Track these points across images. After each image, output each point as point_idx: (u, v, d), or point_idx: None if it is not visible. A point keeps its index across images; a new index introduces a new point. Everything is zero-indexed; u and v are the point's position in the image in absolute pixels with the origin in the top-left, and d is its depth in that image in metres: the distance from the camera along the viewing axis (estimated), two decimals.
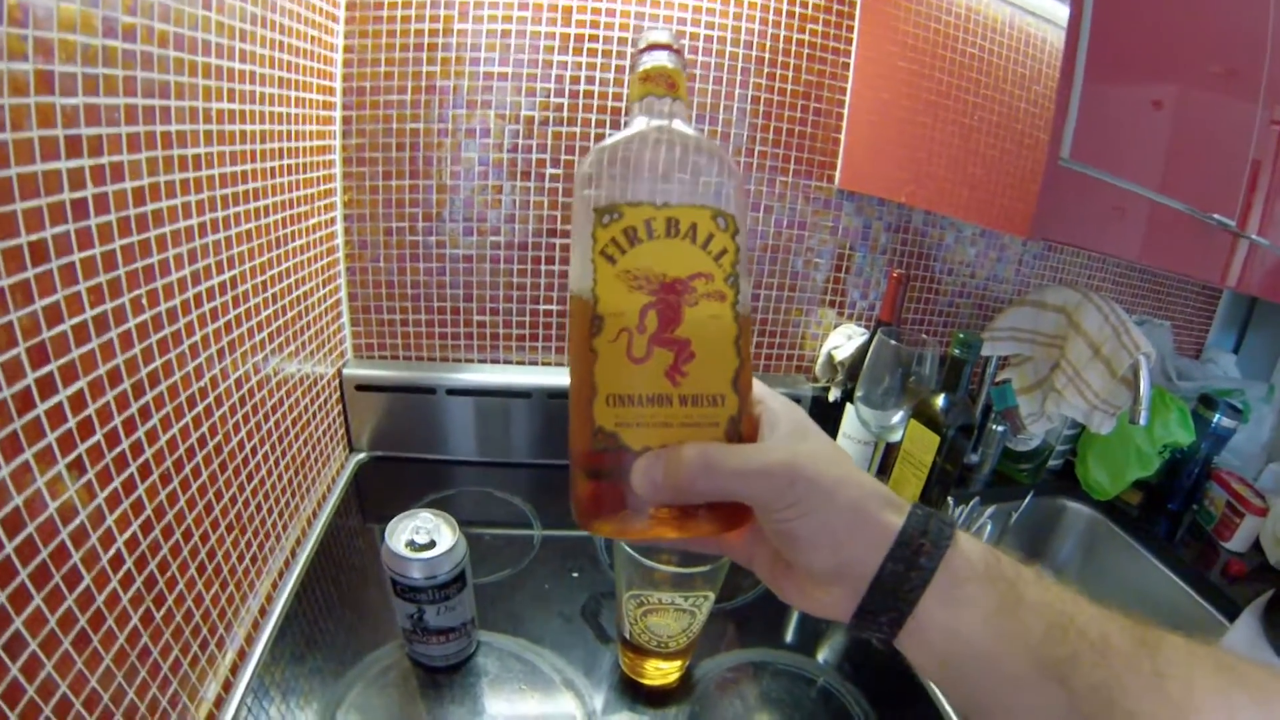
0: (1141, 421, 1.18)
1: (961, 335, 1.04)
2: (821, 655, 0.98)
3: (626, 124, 0.48)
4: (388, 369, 1.30)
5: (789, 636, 1.01)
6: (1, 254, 0.50)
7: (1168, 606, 1.30)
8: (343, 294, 1.26)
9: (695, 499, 0.43)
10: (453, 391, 1.29)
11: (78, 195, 0.57)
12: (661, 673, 0.88)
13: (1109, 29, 0.82)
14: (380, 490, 1.26)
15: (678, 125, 0.47)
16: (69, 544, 0.58)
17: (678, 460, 0.42)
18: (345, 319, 1.28)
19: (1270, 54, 0.98)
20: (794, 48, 1.24)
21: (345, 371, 1.26)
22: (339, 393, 1.26)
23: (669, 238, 0.44)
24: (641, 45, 0.49)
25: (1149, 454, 1.40)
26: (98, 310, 0.60)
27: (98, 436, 0.61)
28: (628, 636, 0.85)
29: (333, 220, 1.19)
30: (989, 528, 1.18)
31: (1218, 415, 1.43)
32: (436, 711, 0.83)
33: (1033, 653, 0.39)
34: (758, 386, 0.48)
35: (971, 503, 1.20)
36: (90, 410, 0.60)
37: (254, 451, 0.91)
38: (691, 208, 0.44)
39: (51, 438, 0.56)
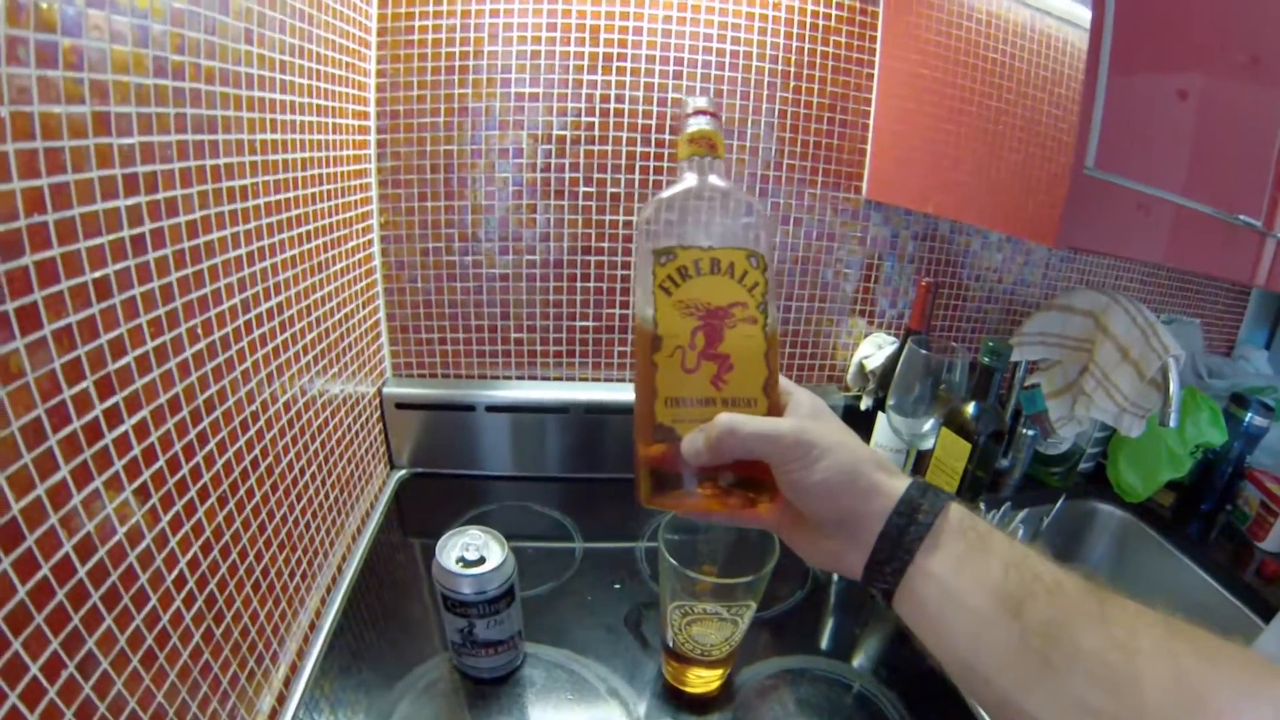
0: (1171, 424, 1.17)
1: (991, 343, 1.05)
2: (857, 661, 0.99)
3: (677, 178, 0.58)
4: (427, 387, 1.32)
5: (825, 643, 1.02)
6: (69, 291, 0.52)
7: (1201, 608, 1.28)
8: (381, 314, 1.29)
9: (726, 457, 0.51)
10: (492, 409, 1.31)
11: (136, 231, 0.60)
12: (704, 680, 0.89)
13: (1131, 30, 0.82)
14: (421, 506, 1.29)
15: (717, 180, 0.57)
16: (137, 566, 0.60)
17: (713, 426, 0.51)
18: (384, 338, 1.31)
19: None
20: (818, 60, 1.26)
21: (385, 390, 1.28)
22: (379, 411, 1.29)
23: (713, 274, 0.54)
24: (687, 110, 0.58)
25: (1180, 455, 1.39)
26: (158, 341, 0.63)
27: (160, 463, 0.63)
28: (671, 646, 0.87)
29: (370, 242, 1.22)
30: (1021, 531, 1.18)
31: (1249, 414, 1.42)
32: None
33: (992, 589, 0.46)
34: (787, 384, 0.57)
35: (1003, 507, 1.21)
36: (153, 438, 0.62)
37: (302, 471, 0.94)
38: (730, 250, 0.55)
39: (119, 465, 0.58)
